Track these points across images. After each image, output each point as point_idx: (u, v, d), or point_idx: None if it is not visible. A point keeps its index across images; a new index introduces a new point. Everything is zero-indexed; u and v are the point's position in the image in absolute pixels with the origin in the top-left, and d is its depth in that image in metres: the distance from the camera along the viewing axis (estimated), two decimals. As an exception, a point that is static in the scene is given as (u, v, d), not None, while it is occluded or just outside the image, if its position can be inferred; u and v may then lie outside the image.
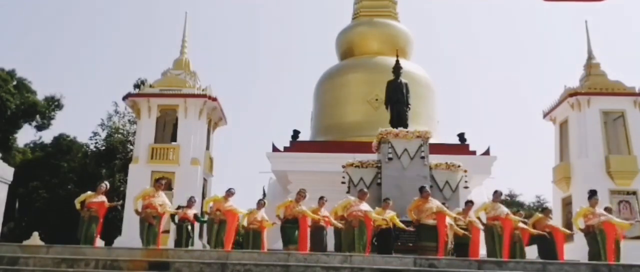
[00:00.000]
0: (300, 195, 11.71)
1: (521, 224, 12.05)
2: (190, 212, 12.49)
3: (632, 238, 19.42)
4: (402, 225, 11.94)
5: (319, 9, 75.64)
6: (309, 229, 11.48)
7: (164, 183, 12.15)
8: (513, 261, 9.73)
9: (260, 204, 12.28)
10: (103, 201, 11.65)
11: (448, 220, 11.41)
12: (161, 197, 11.64)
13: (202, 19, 67.07)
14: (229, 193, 12.11)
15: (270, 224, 12.09)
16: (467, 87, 69.16)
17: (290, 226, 11.60)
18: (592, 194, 11.71)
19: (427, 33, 68.31)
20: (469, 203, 12.38)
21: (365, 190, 12.07)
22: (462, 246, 11.73)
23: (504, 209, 11.82)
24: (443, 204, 12.34)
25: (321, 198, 11.90)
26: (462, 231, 11.68)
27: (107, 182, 12.29)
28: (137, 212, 11.55)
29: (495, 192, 12.20)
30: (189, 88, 23.39)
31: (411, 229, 11.90)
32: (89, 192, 11.79)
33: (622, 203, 20.51)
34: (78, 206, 11.58)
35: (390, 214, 11.88)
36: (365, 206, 11.36)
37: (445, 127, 33.59)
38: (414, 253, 10.57)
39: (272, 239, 14.91)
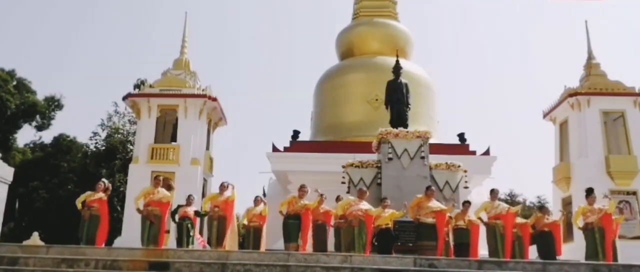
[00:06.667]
0: (303, 190, 11.86)
1: (520, 220, 12.14)
2: (190, 210, 12.49)
3: (632, 238, 19.48)
4: (398, 215, 11.89)
5: (319, 9, 75.71)
6: (311, 225, 11.55)
7: (162, 180, 12.07)
8: (513, 261, 9.72)
9: (257, 200, 12.32)
10: (102, 198, 11.55)
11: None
12: (161, 193, 11.64)
13: (202, 19, 67.19)
14: (223, 187, 12.13)
15: (266, 212, 12.16)
16: (467, 87, 69.21)
17: (292, 222, 11.68)
18: (589, 192, 11.75)
19: (428, 33, 68.40)
20: (467, 203, 12.45)
21: (365, 189, 12.08)
22: (463, 246, 11.74)
23: (504, 206, 11.93)
24: (450, 204, 12.47)
25: (321, 195, 11.93)
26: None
27: (105, 180, 12.14)
28: (139, 211, 11.56)
29: (492, 190, 12.29)
30: (189, 88, 23.39)
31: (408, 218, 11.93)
32: (89, 192, 11.71)
33: (622, 203, 20.48)
34: (79, 206, 11.51)
35: (389, 212, 11.91)
36: (365, 205, 11.40)
37: (445, 127, 33.55)
38: (414, 253, 10.58)
39: (273, 238, 14.90)
